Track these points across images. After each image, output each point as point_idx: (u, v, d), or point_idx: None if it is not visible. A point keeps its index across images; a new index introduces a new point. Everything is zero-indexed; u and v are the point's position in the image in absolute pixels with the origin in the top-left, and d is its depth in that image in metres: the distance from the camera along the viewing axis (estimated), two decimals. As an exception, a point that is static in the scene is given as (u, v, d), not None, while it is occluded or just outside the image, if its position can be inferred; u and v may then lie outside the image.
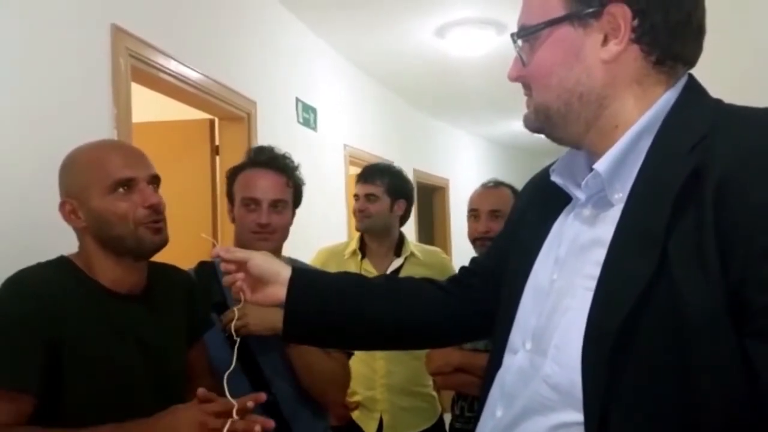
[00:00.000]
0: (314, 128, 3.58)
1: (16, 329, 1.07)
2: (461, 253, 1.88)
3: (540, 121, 0.86)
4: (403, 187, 2.34)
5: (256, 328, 1.42)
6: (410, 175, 3.66)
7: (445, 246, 5.66)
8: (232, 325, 1.25)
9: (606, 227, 0.77)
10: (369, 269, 2.28)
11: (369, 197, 2.27)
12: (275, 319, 1.43)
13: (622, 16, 0.77)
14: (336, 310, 1.03)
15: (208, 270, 1.56)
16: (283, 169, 1.63)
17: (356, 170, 3.49)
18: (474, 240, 2.04)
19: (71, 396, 1.10)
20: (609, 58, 0.79)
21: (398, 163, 2.77)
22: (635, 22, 0.77)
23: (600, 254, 0.75)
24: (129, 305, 1.21)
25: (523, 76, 0.86)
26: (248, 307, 1.25)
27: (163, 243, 1.22)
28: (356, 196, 2.31)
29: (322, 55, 3.79)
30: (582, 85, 0.80)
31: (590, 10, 0.78)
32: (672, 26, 0.78)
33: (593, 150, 0.83)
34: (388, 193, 2.27)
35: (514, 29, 0.86)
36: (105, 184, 1.15)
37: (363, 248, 2.34)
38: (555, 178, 0.88)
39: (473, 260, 1.16)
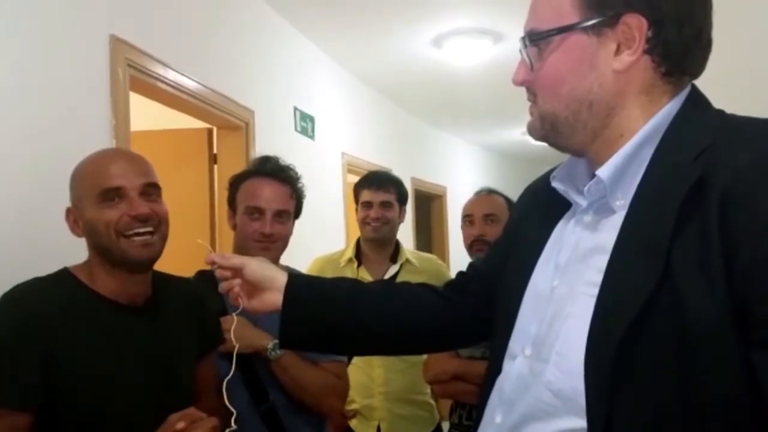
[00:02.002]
0: (312, 137, 3.60)
1: (12, 348, 1.06)
2: (459, 260, 1.89)
3: (546, 129, 0.86)
4: (406, 194, 2.39)
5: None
6: (408, 183, 3.67)
7: (443, 253, 5.66)
8: (231, 331, 1.25)
9: (608, 234, 0.77)
10: (365, 277, 2.28)
11: (384, 204, 2.27)
12: (253, 337, 1.45)
13: (637, 26, 0.77)
14: (333, 315, 1.03)
15: (206, 279, 1.57)
16: (287, 180, 1.65)
17: (354, 178, 3.49)
18: (470, 245, 2.06)
19: (67, 412, 1.09)
20: (622, 68, 0.79)
21: (396, 171, 2.79)
22: (649, 34, 0.77)
23: (602, 261, 0.75)
24: (130, 316, 1.19)
25: (530, 81, 0.85)
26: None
27: (152, 257, 1.19)
28: (368, 203, 2.27)
29: (319, 64, 3.81)
30: (593, 94, 0.80)
31: (605, 18, 0.78)
32: (684, 40, 0.78)
33: (596, 158, 0.84)
34: (398, 200, 2.30)
35: (511, 39, 0.87)
36: (94, 193, 1.14)
37: (359, 256, 2.34)
38: (556, 184, 0.89)
39: (471, 265, 1.16)
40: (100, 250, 1.16)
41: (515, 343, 0.87)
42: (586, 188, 0.82)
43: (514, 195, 1.62)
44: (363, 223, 2.29)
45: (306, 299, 1.02)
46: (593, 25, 0.79)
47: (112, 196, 1.15)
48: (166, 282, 1.30)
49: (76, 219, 1.17)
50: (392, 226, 2.30)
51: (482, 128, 6.26)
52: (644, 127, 0.79)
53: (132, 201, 1.15)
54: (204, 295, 1.40)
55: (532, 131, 0.89)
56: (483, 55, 3.77)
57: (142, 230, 1.15)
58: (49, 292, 1.14)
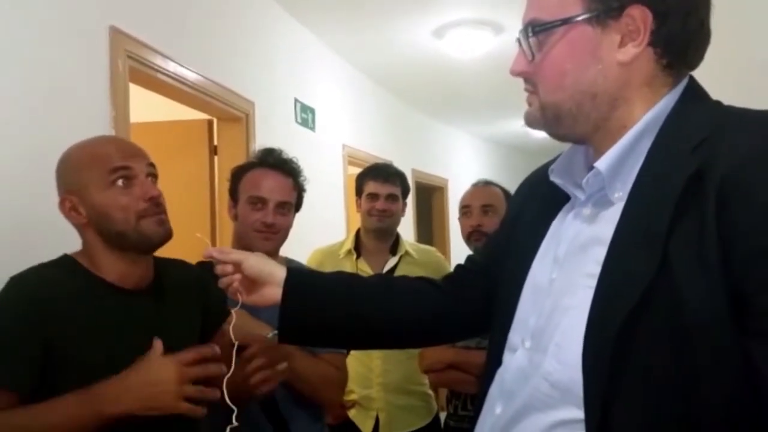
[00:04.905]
0: (312, 128, 3.59)
1: (10, 329, 1.08)
2: (459, 252, 1.90)
3: (547, 118, 0.85)
4: (409, 188, 2.42)
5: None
6: (409, 175, 3.68)
7: (444, 246, 5.67)
8: (231, 327, 1.25)
9: (606, 226, 0.77)
10: (364, 269, 2.29)
11: (390, 197, 2.29)
12: (252, 327, 1.45)
13: (641, 18, 0.77)
14: (331, 309, 1.03)
15: (206, 270, 1.57)
16: (290, 173, 1.66)
17: (354, 170, 3.50)
18: (468, 235, 2.08)
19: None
20: (626, 60, 0.78)
21: (397, 162, 2.79)
22: (653, 26, 0.77)
23: (600, 253, 0.75)
24: (136, 300, 1.20)
25: (529, 72, 0.85)
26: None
27: (168, 235, 1.21)
28: (374, 195, 2.28)
29: (320, 55, 3.80)
30: (597, 86, 0.80)
31: (610, 10, 0.77)
32: (688, 33, 0.78)
33: (597, 149, 0.84)
34: (401, 193, 2.33)
35: (512, 30, 0.86)
36: (104, 175, 1.15)
37: (358, 247, 2.35)
38: (554, 178, 0.89)
39: (469, 258, 1.16)
40: (111, 234, 1.17)
41: (515, 336, 0.87)
42: (584, 180, 0.82)
43: (515, 187, 1.60)
44: (368, 214, 2.29)
45: (305, 294, 1.02)
46: (597, 17, 0.78)
47: (123, 179, 1.16)
48: (165, 266, 1.30)
49: (74, 205, 1.17)
50: (396, 218, 2.32)
51: (483, 120, 6.25)
52: (642, 119, 0.79)
53: (144, 184, 1.18)
54: (204, 277, 1.41)
55: (532, 120, 0.88)
56: (484, 46, 3.77)
57: (157, 211, 1.19)
58: (53, 277, 1.15)
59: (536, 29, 0.82)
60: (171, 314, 1.26)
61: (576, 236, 0.83)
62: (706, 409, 0.66)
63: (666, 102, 0.80)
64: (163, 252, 1.25)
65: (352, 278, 1.14)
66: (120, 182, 1.16)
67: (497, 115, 5.97)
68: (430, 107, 5.57)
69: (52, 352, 1.09)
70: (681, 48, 0.79)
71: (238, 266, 1.03)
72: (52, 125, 1.65)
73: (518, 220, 0.98)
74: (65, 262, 1.19)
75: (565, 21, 0.79)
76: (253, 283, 1.04)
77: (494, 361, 0.90)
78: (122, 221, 1.15)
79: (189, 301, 1.32)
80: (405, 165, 4.04)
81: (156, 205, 1.18)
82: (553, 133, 0.87)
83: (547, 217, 0.91)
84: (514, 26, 0.86)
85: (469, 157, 6.88)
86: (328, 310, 1.03)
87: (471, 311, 1.05)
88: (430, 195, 6.03)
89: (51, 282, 1.13)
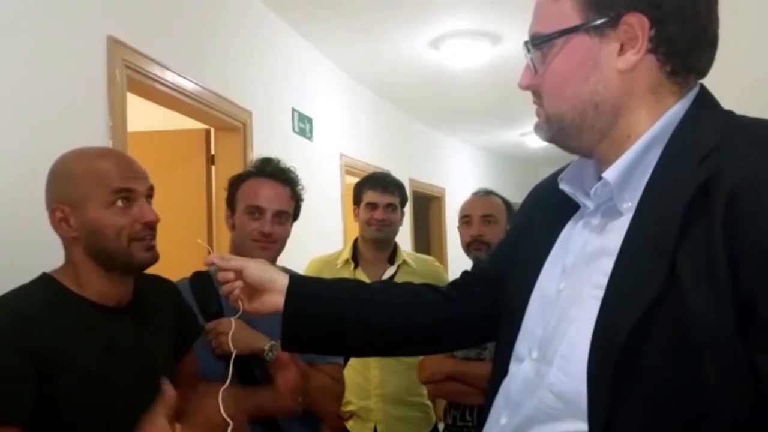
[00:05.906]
0: (310, 138, 3.60)
1: (1, 361, 1.04)
2: (457, 262, 1.90)
3: (553, 131, 0.86)
4: (407, 197, 2.42)
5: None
6: (406, 184, 3.68)
7: (441, 255, 5.66)
8: (230, 336, 1.24)
9: (614, 237, 0.76)
10: (362, 278, 2.28)
11: (389, 207, 2.28)
12: (250, 338, 1.44)
13: (639, 26, 0.77)
14: (335, 316, 1.02)
15: (203, 279, 1.57)
16: (288, 182, 1.66)
17: (352, 179, 3.50)
18: (468, 245, 2.07)
19: (62, 416, 1.08)
20: (626, 67, 0.79)
21: (394, 172, 2.78)
22: (652, 32, 0.77)
23: (608, 264, 0.75)
24: (117, 318, 1.19)
25: (535, 85, 0.86)
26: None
27: (154, 260, 1.20)
28: (373, 204, 2.28)
29: (317, 65, 3.81)
30: (598, 95, 0.80)
31: (607, 19, 0.78)
32: (688, 38, 0.78)
33: (604, 159, 0.83)
34: (400, 203, 2.33)
35: (509, 41, 0.87)
36: (105, 194, 1.13)
37: (356, 257, 2.34)
38: (564, 186, 0.88)
39: (475, 266, 1.15)
40: (99, 252, 1.15)
41: (522, 346, 0.86)
42: (592, 190, 0.82)
43: (512, 196, 1.60)
44: (367, 223, 2.29)
45: (308, 300, 1.02)
46: (595, 27, 0.79)
47: (123, 200, 1.15)
48: (145, 281, 1.29)
49: (65, 217, 1.14)
50: (394, 228, 2.32)
51: (480, 129, 6.27)
52: (651, 129, 0.79)
53: (143, 207, 1.17)
54: (178, 291, 1.40)
55: (540, 132, 0.89)
56: (481, 56, 3.77)
57: (150, 236, 1.18)
58: (35, 298, 1.12)
59: (536, 42, 0.83)
60: (150, 331, 1.25)
61: (584, 246, 0.83)
62: (712, 424, 0.65)
63: (675, 111, 0.79)
64: (162, 258, 1.23)
65: (355, 284, 1.13)
66: (120, 203, 1.15)
67: (494, 124, 5.99)
68: (427, 117, 5.59)
69: (45, 375, 1.06)
70: (682, 53, 0.79)
71: (239, 273, 1.03)
72: (50, 135, 1.65)
73: (527, 228, 0.98)
74: (45, 282, 1.16)
75: (564, 32, 0.80)
76: (254, 290, 1.03)
77: (500, 371, 0.89)
78: (114, 240, 1.14)
79: (165, 317, 1.31)
80: (402, 174, 4.04)
81: (149, 229, 1.17)
82: (561, 145, 0.88)
83: (557, 226, 0.90)
84: (510, 37, 0.87)
85: (465, 167, 6.89)
86: (331, 316, 1.02)
87: (476, 318, 1.04)
88: (428, 204, 6.03)
89: (32, 305, 1.11)
